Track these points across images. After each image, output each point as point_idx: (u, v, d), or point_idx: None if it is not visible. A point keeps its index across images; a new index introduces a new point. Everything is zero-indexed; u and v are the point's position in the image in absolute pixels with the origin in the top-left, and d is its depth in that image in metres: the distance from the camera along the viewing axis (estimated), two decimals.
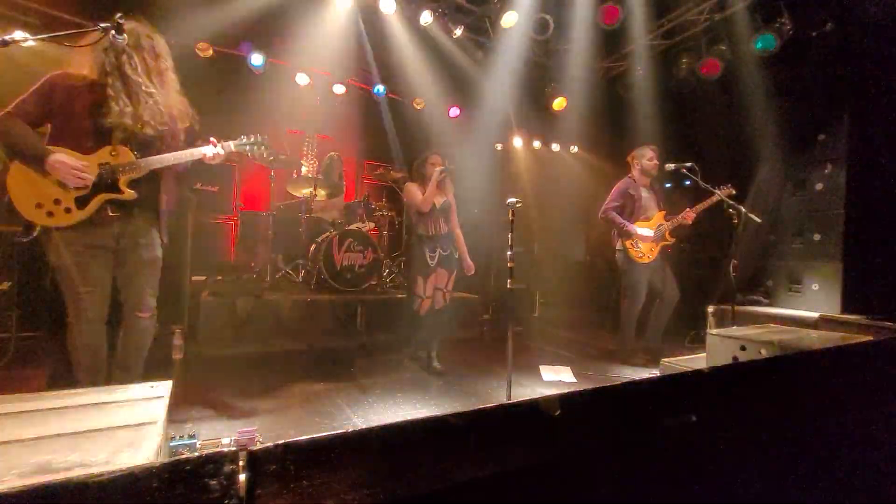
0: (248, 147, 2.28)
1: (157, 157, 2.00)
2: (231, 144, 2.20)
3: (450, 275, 3.39)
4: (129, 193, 1.95)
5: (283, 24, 4.68)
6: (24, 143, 1.80)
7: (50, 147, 1.82)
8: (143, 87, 1.96)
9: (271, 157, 2.42)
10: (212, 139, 2.15)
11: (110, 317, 2.04)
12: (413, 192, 3.37)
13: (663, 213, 3.87)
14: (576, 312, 5.72)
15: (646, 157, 3.88)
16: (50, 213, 1.84)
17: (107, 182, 1.91)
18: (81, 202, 1.88)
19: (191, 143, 2.18)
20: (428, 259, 3.30)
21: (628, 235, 3.77)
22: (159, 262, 2.14)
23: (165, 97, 2.05)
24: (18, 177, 1.82)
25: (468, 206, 3.66)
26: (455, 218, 3.49)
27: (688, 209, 3.76)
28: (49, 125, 1.89)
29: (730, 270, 3.25)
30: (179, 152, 2.05)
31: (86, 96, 1.87)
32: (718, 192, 3.58)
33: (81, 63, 1.90)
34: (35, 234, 1.87)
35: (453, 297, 3.56)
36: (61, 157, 1.80)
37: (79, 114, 1.86)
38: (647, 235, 3.77)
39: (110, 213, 1.94)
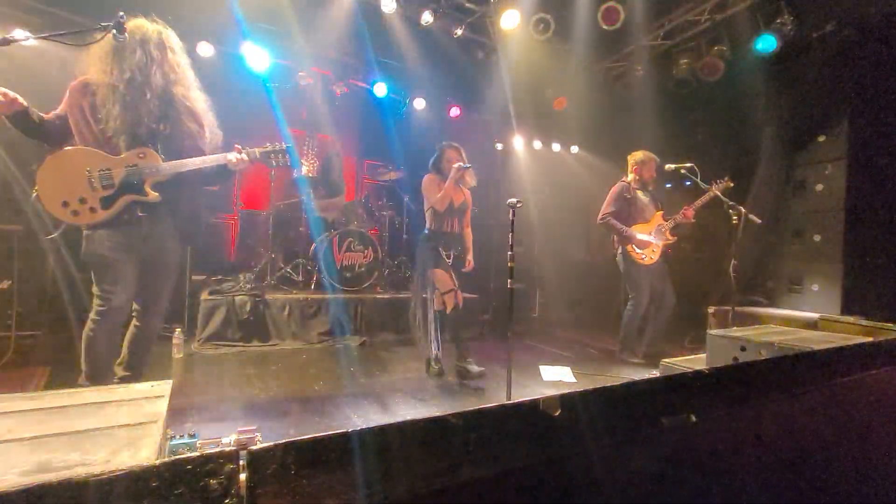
0: (271, 154, 2.23)
1: (182, 161, 1.99)
2: (256, 151, 2.18)
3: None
4: (154, 196, 1.97)
5: (283, 23, 4.67)
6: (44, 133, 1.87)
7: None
8: (155, 86, 1.96)
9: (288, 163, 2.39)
10: (237, 145, 2.14)
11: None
12: (430, 187, 3.22)
13: (661, 212, 3.87)
14: (576, 312, 5.72)
15: (643, 163, 3.88)
16: (75, 213, 1.86)
17: (132, 183, 1.93)
18: (107, 202, 1.90)
19: (214, 142, 2.17)
20: (444, 255, 3.21)
21: (628, 240, 3.77)
22: (178, 267, 2.18)
23: (182, 90, 2.05)
24: (48, 173, 1.85)
25: None
26: (468, 216, 3.41)
27: (686, 206, 3.76)
28: (77, 133, 1.93)
29: (730, 271, 3.25)
30: (204, 157, 2.05)
31: (103, 101, 1.89)
32: (715, 186, 3.59)
33: (90, 66, 1.91)
34: (60, 231, 1.90)
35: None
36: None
37: (101, 118, 1.88)
38: (646, 239, 3.77)
39: (139, 214, 1.96)
